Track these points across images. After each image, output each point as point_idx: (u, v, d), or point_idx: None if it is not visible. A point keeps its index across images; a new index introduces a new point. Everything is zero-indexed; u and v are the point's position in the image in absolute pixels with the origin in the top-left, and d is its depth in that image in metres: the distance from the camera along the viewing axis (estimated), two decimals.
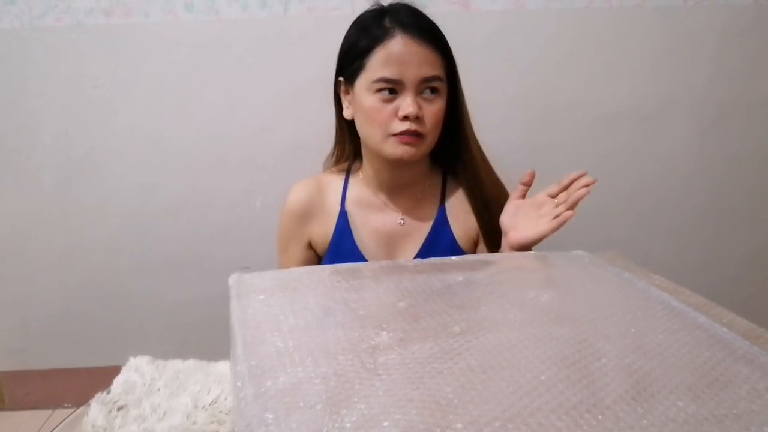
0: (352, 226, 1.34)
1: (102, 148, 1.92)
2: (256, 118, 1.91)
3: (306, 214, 1.36)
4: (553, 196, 1.15)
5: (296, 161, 1.90)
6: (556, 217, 1.11)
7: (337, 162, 1.42)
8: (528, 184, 1.21)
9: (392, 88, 1.19)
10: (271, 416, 0.57)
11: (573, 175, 1.14)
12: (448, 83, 1.25)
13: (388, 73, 1.18)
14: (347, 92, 1.29)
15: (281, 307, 0.83)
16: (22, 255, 2.01)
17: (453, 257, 1.06)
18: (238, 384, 0.64)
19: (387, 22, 1.21)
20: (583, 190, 1.09)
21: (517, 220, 1.18)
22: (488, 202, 1.32)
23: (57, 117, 1.89)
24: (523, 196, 1.21)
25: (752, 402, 0.60)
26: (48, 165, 1.92)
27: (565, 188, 1.14)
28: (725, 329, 0.76)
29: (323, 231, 1.36)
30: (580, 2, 1.86)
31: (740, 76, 1.94)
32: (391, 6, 1.26)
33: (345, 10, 1.83)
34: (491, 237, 1.31)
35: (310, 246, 1.39)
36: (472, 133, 1.32)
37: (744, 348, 0.71)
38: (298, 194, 1.37)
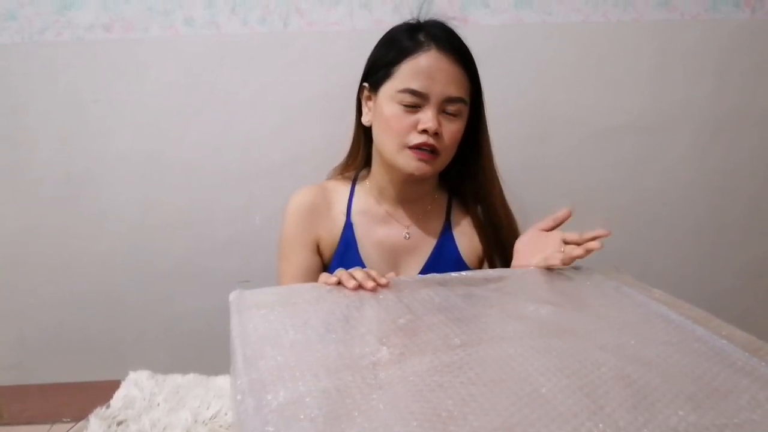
0: (357, 237, 1.33)
1: (101, 162, 1.92)
2: (255, 132, 1.91)
3: (313, 214, 1.33)
4: (566, 242, 1.13)
5: (295, 175, 1.90)
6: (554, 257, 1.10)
7: (346, 169, 1.42)
8: (560, 222, 1.19)
9: (416, 103, 1.19)
10: (271, 429, 0.57)
11: (594, 233, 1.11)
12: (471, 107, 1.25)
13: (414, 85, 1.18)
14: (370, 98, 1.29)
15: (282, 322, 0.83)
16: (21, 269, 2.00)
17: (452, 273, 1.06)
18: (239, 397, 0.64)
19: (422, 36, 1.21)
20: (595, 243, 1.07)
21: (529, 247, 1.18)
22: (497, 229, 1.32)
23: (56, 131, 1.89)
24: (549, 230, 1.20)
25: (753, 411, 0.60)
26: (47, 179, 1.92)
27: (580, 243, 1.11)
28: (725, 341, 0.76)
29: (330, 236, 1.34)
30: (577, 16, 1.87)
31: (739, 90, 1.95)
32: (426, 22, 1.26)
33: (345, 25, 1.84)
34: (492, 264, 1.32)
35: (317, 251, 1.35)
36: (491, 161, 1.32)
37: (743, 359, 0.71)
38: (303, 195, 1.35)
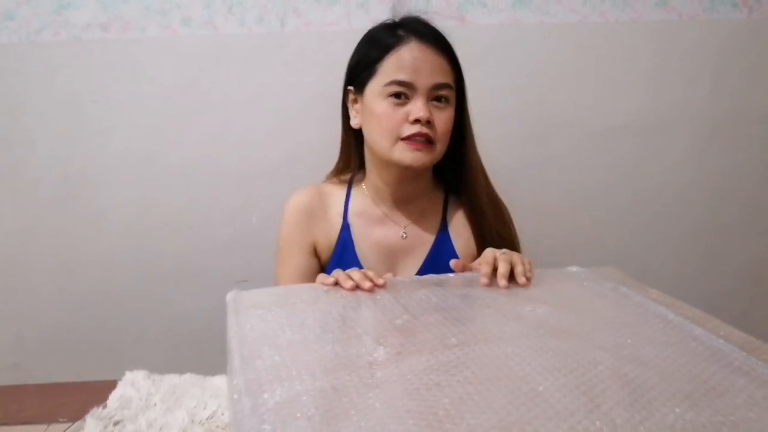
0: (354, 238, 1.32)
1: (99, 162, 1.92)
2: (253, 132, 1.91)
3: (310, 216, 1.33)
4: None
5: (292, 176, 1.90)
6: None
7: (339, 173, 1.41)
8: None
9: (403, 93, 1.19)
10: (268, 428, 0.57)
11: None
12: (456, 95, 1.26)
13: (401, 77, 1.18)
14: (356, 101, 1.29)
15: (279, 322, 0.83)
16: (19, 269, 2.00)
17: (449, 274, 1.06)
18: (235, 397, 0.64)
19: (401, 31, 1.22)
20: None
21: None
22: (485, 219, 1.32)
23: (54, 131, 1.89)
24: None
25: (749, 410, 0.60)
26: (45, 179, 1.92)
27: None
28: (722, 341, 0.76)
29: (327, 238, 1.33)
30: (575, 17, 1.87)
31: (736, 91, 1.95)
32: (403, 19, 1.27)
33: (342, 25, 1.84)
34: None
35: (314, 253, 1.35)
36: (475, 149, 1.32)
37: (741, 359, 0.71)
38: (300, 197, 1.35)
